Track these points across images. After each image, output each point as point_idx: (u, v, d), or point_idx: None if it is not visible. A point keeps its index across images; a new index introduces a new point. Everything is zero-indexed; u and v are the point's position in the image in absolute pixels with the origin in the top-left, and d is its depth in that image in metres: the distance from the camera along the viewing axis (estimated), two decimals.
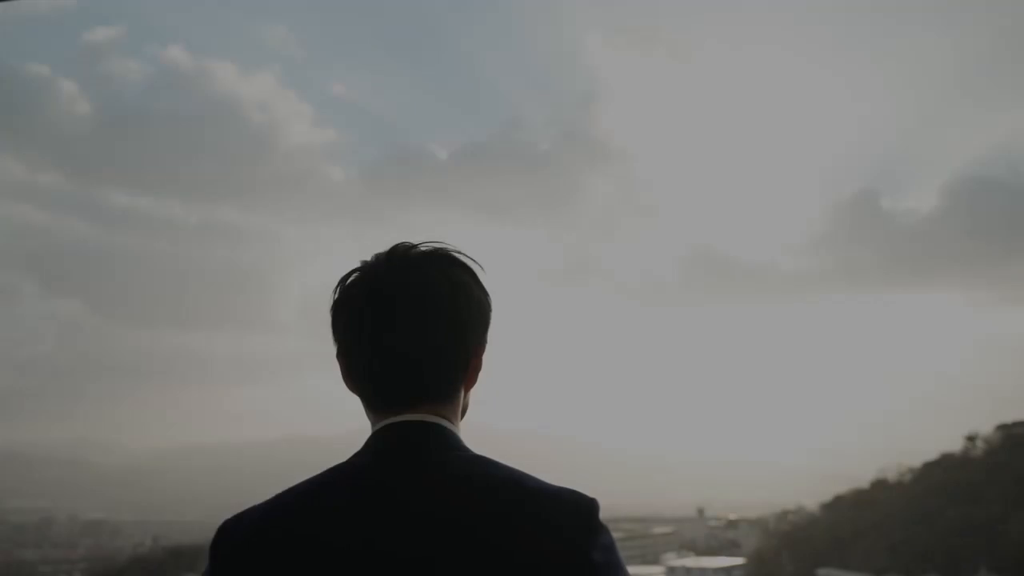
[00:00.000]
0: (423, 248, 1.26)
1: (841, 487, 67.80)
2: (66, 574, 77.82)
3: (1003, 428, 56.76)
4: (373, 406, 1.24)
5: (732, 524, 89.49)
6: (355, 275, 1.26)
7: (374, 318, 1.20)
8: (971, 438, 57.80)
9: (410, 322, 1.19)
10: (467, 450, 1.21)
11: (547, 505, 1.12)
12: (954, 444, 59.86)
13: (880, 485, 61.65)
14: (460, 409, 1.27)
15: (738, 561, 65.55)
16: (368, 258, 1.27)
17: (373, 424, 1.24)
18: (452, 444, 1.20)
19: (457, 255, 1.27)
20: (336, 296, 1.26)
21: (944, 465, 56.99)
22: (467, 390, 1.28)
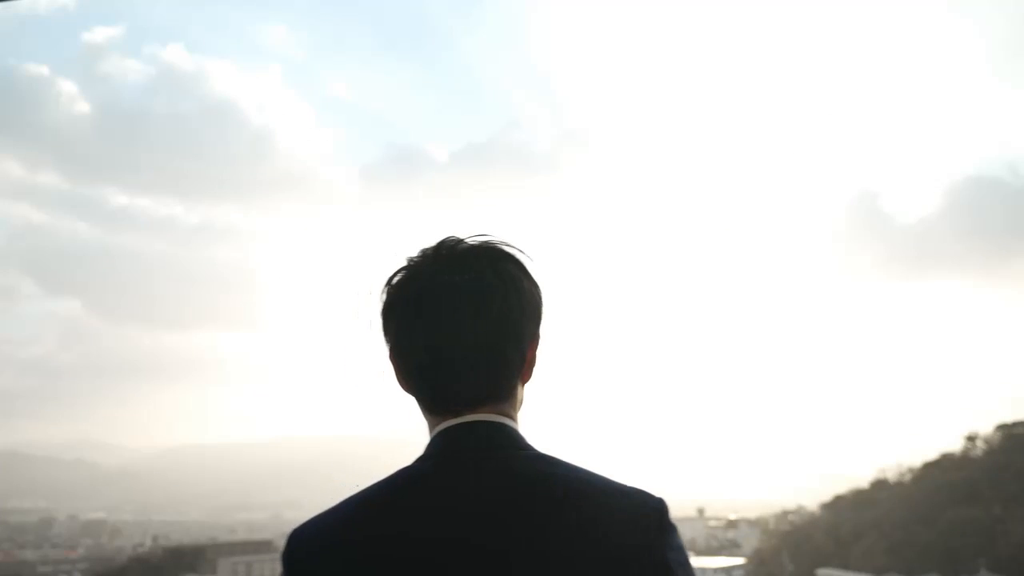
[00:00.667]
0: (470, 243, 1.24)
1: (841, 487, 67.90)
2: (66, 574, 77.66)
3: (1003, 428, 56.69)
4: (432, 408, 1.22)
5: (732, 524, 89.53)
6: (402, 274, 1.24)
7: (428, 318, 1.18)
8: (971, 438, 57.75)
9: (465, 321, 1.17)
10: (532, 448, 1.20)
11: (621, 504, 1.13)
12: (954, 444, 59.95)
13: (880, 485, 61.64)
14: (517, 404, 1.25)
15: (738, 561, 65.47)
16: (411, 255, 1.25)
17: (431, 426, 1.22)
18: (517, 443, 1.19)
19: (505, 248, 1.25)
20: (385, 297, 1.24)
21: (944, 465, 56.90)
22: (522, 385, 1.26)
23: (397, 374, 1.24)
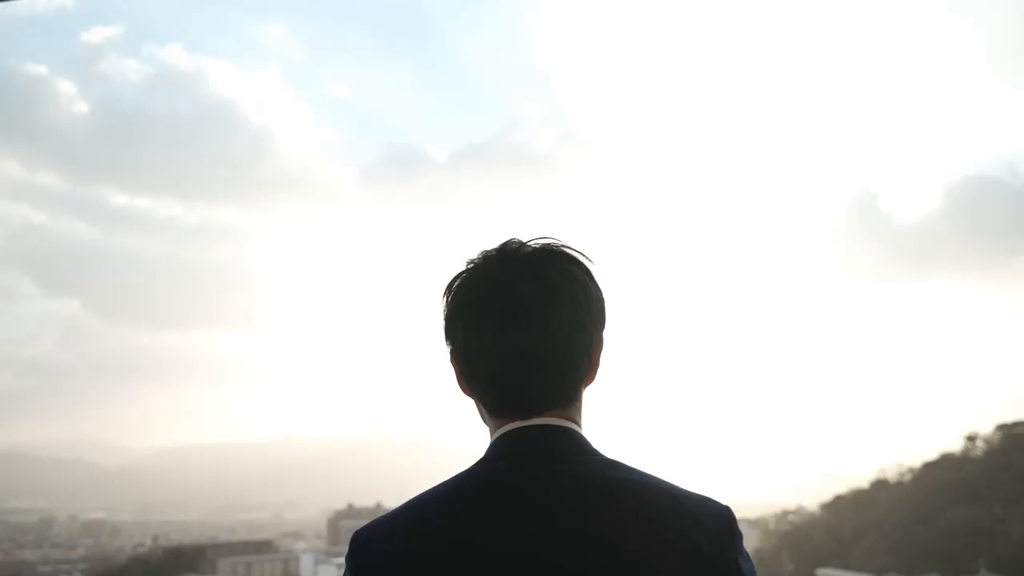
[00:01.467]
0: (534, 245, 1.24)
1: (841, 487, 67.91)
2: (66, 574, 77.68)
3: (1003, 428, 56.70)
4: (497, 412, 1.21)
5: None
6: (465, 276, 1.23)
7: (497, 322, 1.17)
8: (971, 438, 57.78)
9: (533, 325, 1.17)
10: (599, 453, 1.19)
11: (694, 511, 1.13)
12: (954, 444, 59.97)
13: (880, 485, 61.65)
14: (581, 407, 1.25)
15: None
16: (471, 258, 1.25)
17: (492, 428, 1.22)
18: (585, 448, 1.19)
19: (569, 251, 1.24)
20: (450, 299, 1.23)
21: (944, 465, 56.93)
22: (585, 387, 1.26)
23: (460, 377, 1.24)
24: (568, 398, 1.21)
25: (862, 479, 66.46)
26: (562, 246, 1.24)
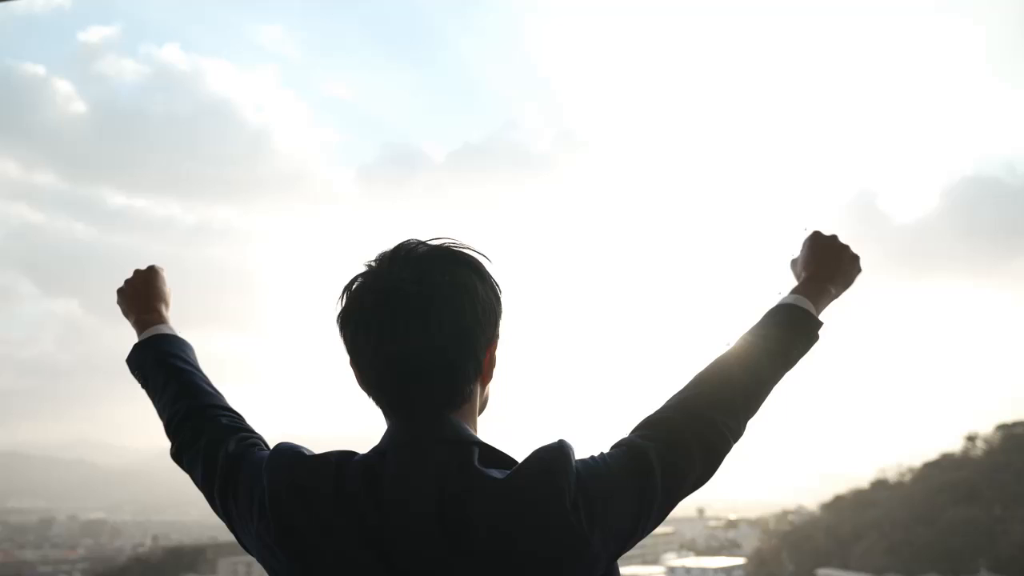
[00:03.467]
0: (424, 248, 1.22)
1: (841, 487, 67.91)
2: (66, 574, 77.70)
3: (1003, 428, 56.81)
4: (388, 414, 1.23)
5: (732, 524, 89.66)
6: (359, 281, 1.22)
7: (379, 327, 1.17)
8: (971, 438, 57.89)
9: (414, 329, 1.16)
10: (472, 456, 1.16)
11: (523, 479, 1.11)
12: (954, 444, 60.03)
13: (880, 485, 61.70)
14: (475, 408, 1.25)
15: (738, 561, 65.53)
16: (370, 259, 1.24)
17: (388, 426, 1.24)
18: (459, 452, 1.17)
19: (459, 251, 1.23)
20: (343, 304, 1.23)
21: (944, 465, 57.05)
22: (483, 386, 1.26)
23: (356, 379, 1.25)
24: (454, 401, 1.20)
25: (862, 479, 66.43)
26: (454, 247, 1.22)
